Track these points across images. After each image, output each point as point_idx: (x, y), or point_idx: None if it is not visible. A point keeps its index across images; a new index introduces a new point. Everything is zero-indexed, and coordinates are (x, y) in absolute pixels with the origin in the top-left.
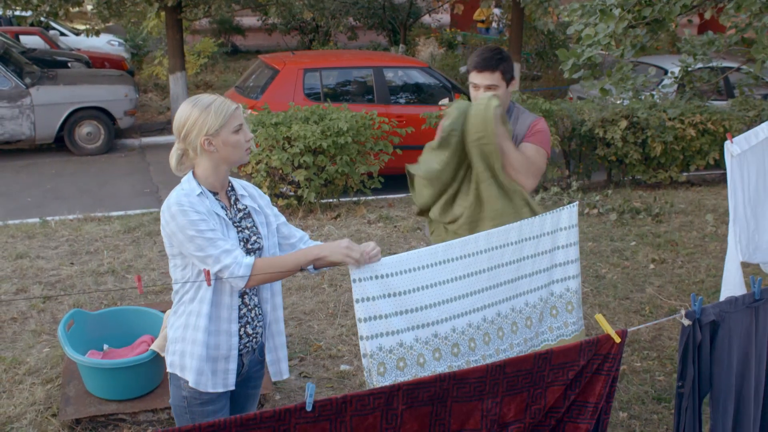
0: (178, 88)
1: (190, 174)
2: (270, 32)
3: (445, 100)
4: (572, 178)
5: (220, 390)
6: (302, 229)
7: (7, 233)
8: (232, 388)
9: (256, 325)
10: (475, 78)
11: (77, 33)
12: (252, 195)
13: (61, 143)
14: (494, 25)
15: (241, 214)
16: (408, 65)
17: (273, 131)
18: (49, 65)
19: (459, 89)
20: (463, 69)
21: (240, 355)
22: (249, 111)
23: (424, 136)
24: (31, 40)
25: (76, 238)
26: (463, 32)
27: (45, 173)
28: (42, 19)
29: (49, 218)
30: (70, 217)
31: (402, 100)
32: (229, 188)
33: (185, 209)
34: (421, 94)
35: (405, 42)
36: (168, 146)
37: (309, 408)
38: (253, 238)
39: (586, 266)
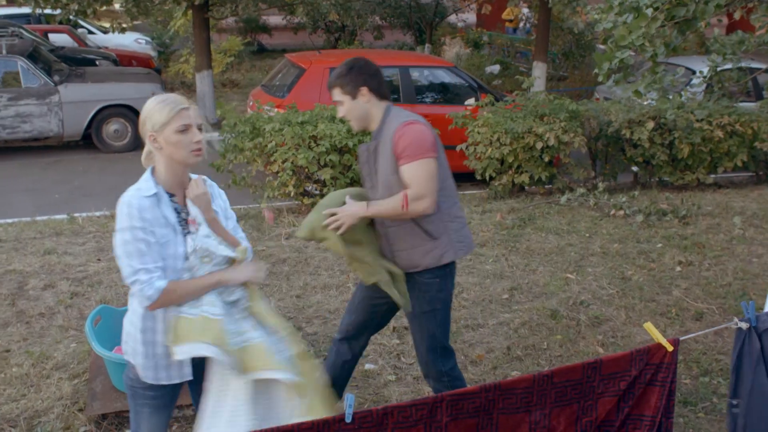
0: (204, 86)
1: (148, 171)
2: (296, 31)
3: (471, 100)
4: (598, 179)
5: (164, 383)
6: None
7: (36, 229)
8: (187, 378)
9: None
10: None
11: (105, 31)
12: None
13: (88, 140)
14: (521, 24)
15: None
16: (434, 65)
17: (299, 130)
18: (77, 63)
19: (485, 89)
20: (488, 69)
21: None
22: (275, 110)
23: (450, 136)
24: (60, 38)
25: (103, 234)
26: (489, 32)
27: (73, 170)
28: (71, 17)
29: (76, 215)
30: (97, 213)
31: (428, 100)
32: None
33: (132, 212)
34: (447, 94)
35: (431, 41)
36: None
37: (348, 419)
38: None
39: (612, 268)
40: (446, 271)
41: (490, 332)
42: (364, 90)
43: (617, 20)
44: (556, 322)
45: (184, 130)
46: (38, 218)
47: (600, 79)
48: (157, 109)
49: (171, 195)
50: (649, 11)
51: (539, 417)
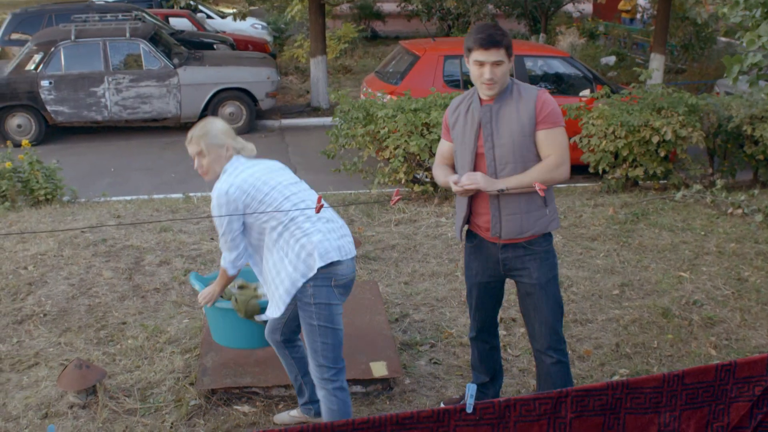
0: (318, 71)
1: None
2: (409, 18)
3: (586, 92)
4: (716, 176)
5: None
6: (436, 216)
7: (152, 207)
8: None
9: None
10: (480, 56)
11: (223, 16)
12: None
13: None
14: (639, 15)
15: None
16: (549, 54)
17: (412, 117)
18: (196, 47)
19: (601, 80)
20: (604, 60)
21: None
22: (388, 96)
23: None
24: (180, 23)
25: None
26: (605, 22)
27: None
28: (191, 2)
29: (191, 194)
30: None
31: None
32: None
33: None
34: (561, 85)
35: (546, 31)
36: (307, 128)
37: (469, 410)
38: None
39: (728, 268)
40: (552, 236)
41: (598, 328)
42: (513, 56)
43: (746, 15)
44: (668, 321)
45: None
46: (155, 196)
47: (729, 82)
48: None
49: None
50: None
51: (669, 419)
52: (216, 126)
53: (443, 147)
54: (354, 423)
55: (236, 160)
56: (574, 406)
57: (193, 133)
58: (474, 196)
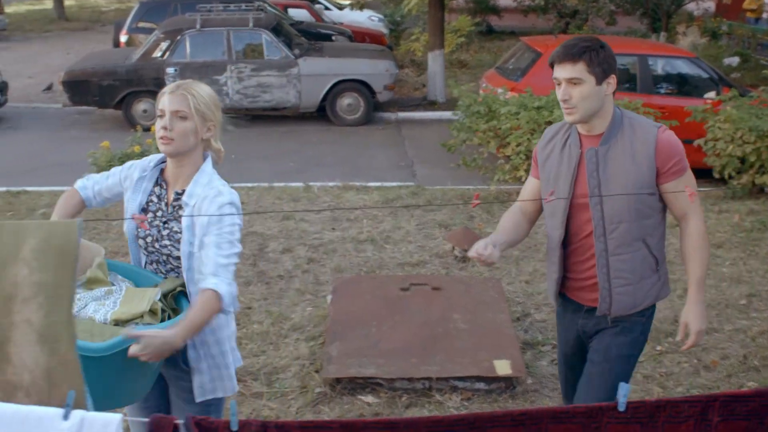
0: (436, 65)
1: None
2: (526, 13)
3: (712, 94)
4: None
5: None
6: None
7: (274, 195)
8: None
9: None
10: (555, 70)
11: (340, 7)
12: (200, 209)
13: (322, 113)
14: (765, 15)
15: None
16: (673, 55)
17: (535, 115)
18: (314, 38)
19: (728, 83)
20: (726, 61)
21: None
22: (510, 93)
23: (688, 130)
24: (299, 13)
25: (336, 204)
26: (729, 21)
27: (307, 140)
28: None
29: (311, 183)
30: (330, 184)
31: (665, 91)
32: (181, 192)
33: (133, 165)
34: (685, 86)
35: (667, 30)
36: (423, 122)
37: (622, 408)
38: (163, 242)
39: None
40: (653, 309)
41: (725, 338)
42: (613, 79)
43: None
44: None
45: (160, 115)
46: (275, 184)
47: None
48: None
49: (160, 182)
50: None
51: None
52: (209, 92)
53: (529, 185)
54: (513, 414)
55: (210, 162)
56: (721, 411)
57: (190, 90)
58: (571, 253)
